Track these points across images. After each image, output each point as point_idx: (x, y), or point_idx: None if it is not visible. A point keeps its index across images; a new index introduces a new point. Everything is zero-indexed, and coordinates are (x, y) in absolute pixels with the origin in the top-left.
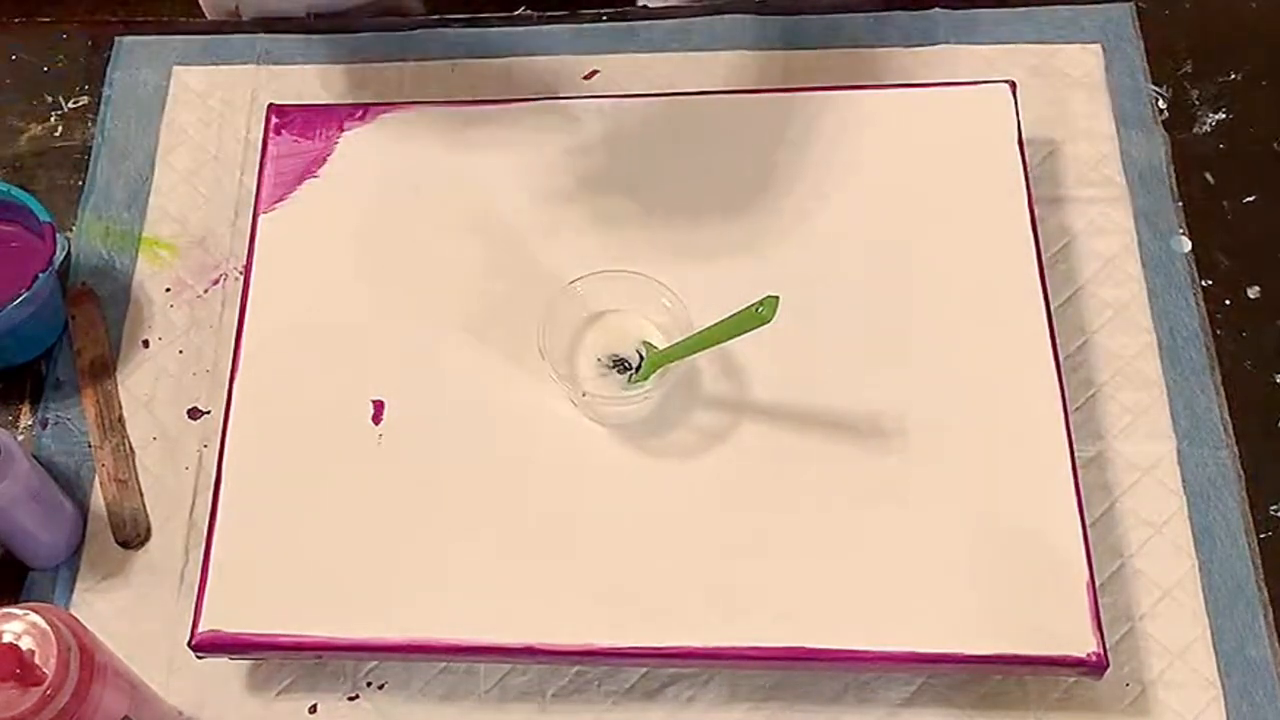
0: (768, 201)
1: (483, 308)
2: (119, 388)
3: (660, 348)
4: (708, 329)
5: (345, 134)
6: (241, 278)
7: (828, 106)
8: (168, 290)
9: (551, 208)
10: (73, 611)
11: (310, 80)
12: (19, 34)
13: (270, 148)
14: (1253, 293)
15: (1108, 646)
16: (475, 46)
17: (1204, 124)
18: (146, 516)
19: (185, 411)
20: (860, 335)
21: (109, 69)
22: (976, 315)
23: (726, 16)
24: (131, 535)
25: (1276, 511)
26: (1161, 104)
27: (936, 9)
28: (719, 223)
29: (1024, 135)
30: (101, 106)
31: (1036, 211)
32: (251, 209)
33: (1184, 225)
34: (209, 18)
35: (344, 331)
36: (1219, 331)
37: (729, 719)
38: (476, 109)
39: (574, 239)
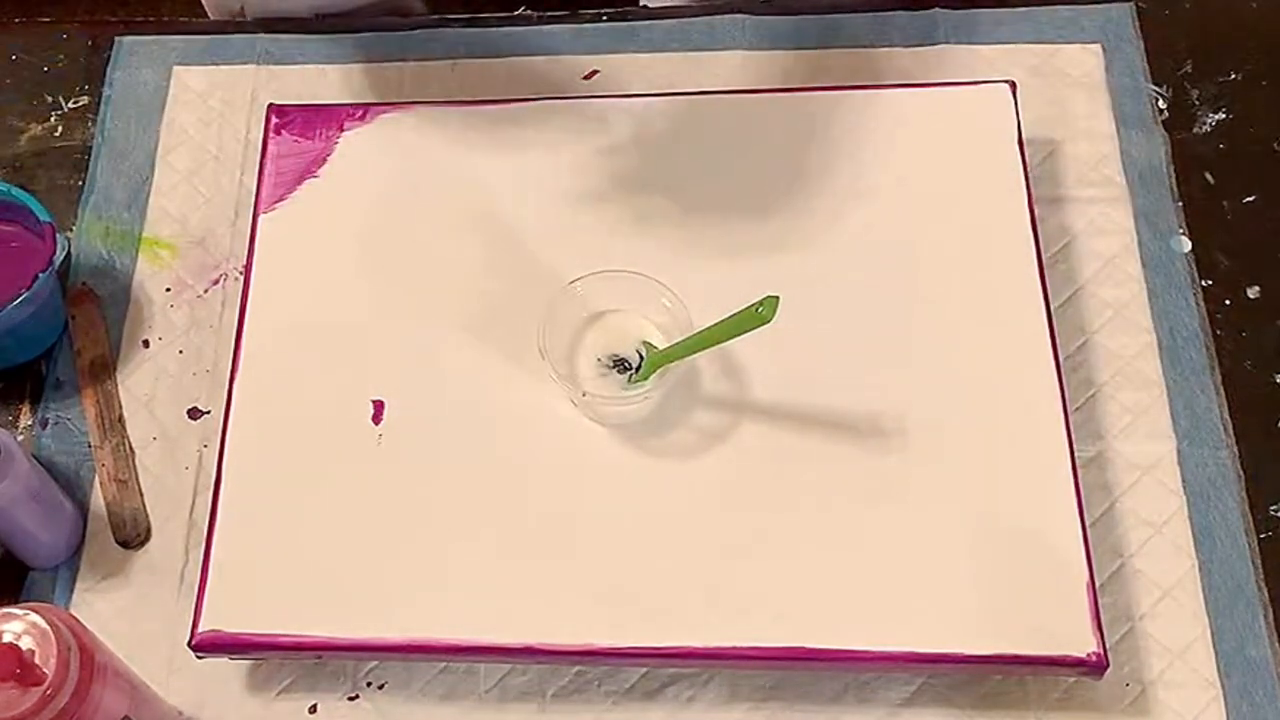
0: (768, 201)
1: (483, 308)
2: (119, 388)
3: (660, 348)
4: (708, 329)
5: (345, 134)
6: (241, 278)
7: (827, 106)
8: (168, 290)
9: (552, 207)
10: (73, 611)
11: (310, 80)
12: (19, 34)
13: (270, 148)
14: (1253, 293)
15: (1108, 646)
16: (475, 46)
17: (1204, 124)
18: (146, 516)
19: (185, 411)
20: (860, 335)
21: (109, 69)
22: (976, 315)
23: (726, 16)
24: (131, 535)
25: (1276, 511)
26: (1161, 104)
27: (936, 9)
28: (719, 222)
29: (1024, 135)
30: (101, 106)
31: (1036, 211)
32: (251, 209)
33: (1184, 225)
34: (212, 18)
35: (344, 331)
36: (1219, 331)
37: (729, 719)
38: (476, 109)
39: (574, 239)
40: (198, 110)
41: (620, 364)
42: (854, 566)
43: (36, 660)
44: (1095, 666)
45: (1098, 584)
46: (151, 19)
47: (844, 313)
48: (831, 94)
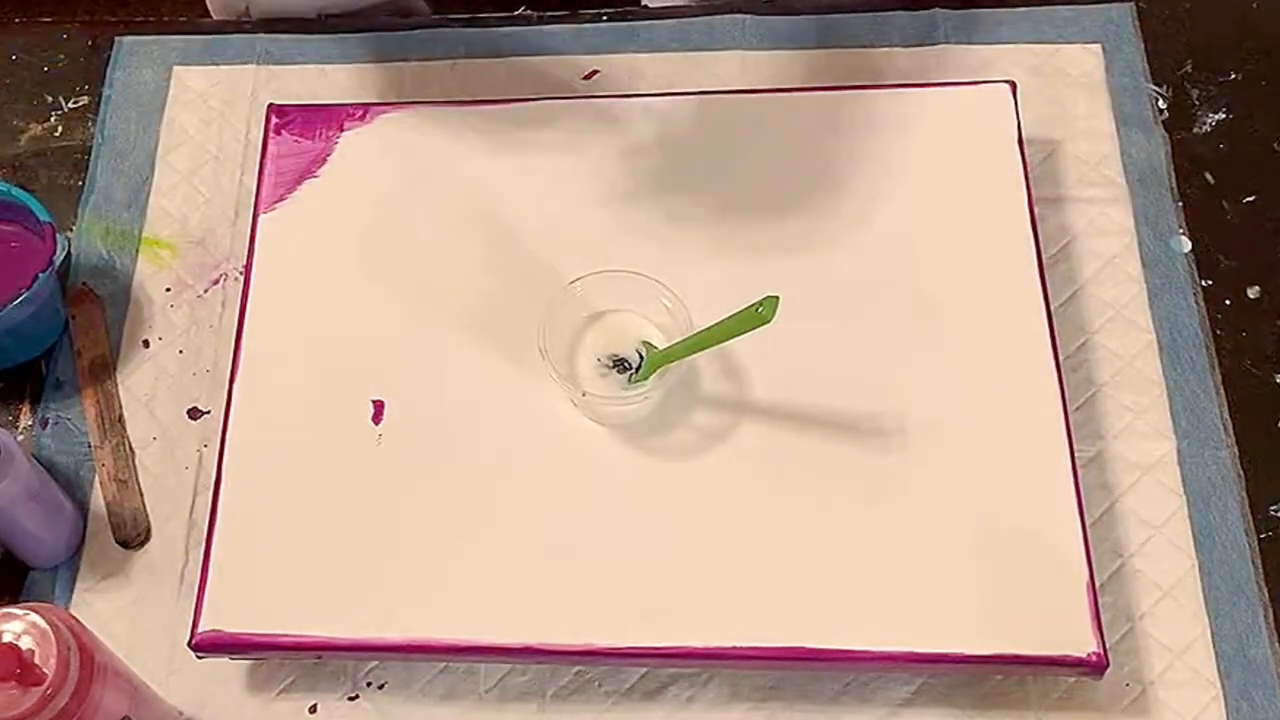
0: (768, 201)
1: (483, 308)
2: (119, 388)
3: (660, 348)
4: (708, 329)
5: (345, 134)
6: (241, 278)
7: (827, 107)
8: (168, 290)
9: (552, 207)
10: (73, 611)
11: (310, 80)
12: (19, 34)
13: (270, 148)
14: (1253, 293)
15: (1108, 646)
16: (475, 46)
17: (1204, 124)
18: (146, 516)
19: (185, 411)
20: (860, 335)
21: (109, 69)
22: (976, 315)
23: (726, 16)
24: (131, 535)
25: (1276, 511)
26: (1161, 104)
27: (936, 9)
28: (718, 222)
29: (1024, 135)
30: (101, 106)
31: (1036, 211)
32: (251, 209)
33: (1184, 225)
34: (216, 18)
35: (344, 331)
36: (1219, 331)
37: (729, 719)
38: (476, 109)
39: (574, 239)
40: (198, 110)
41: (620, 364)
42: (854, 566)
43: (36, 660)
44: (1095, 666)
45: (1098, 584)
46: (151, 19)
47: (844, 313)
48: (831, 94)
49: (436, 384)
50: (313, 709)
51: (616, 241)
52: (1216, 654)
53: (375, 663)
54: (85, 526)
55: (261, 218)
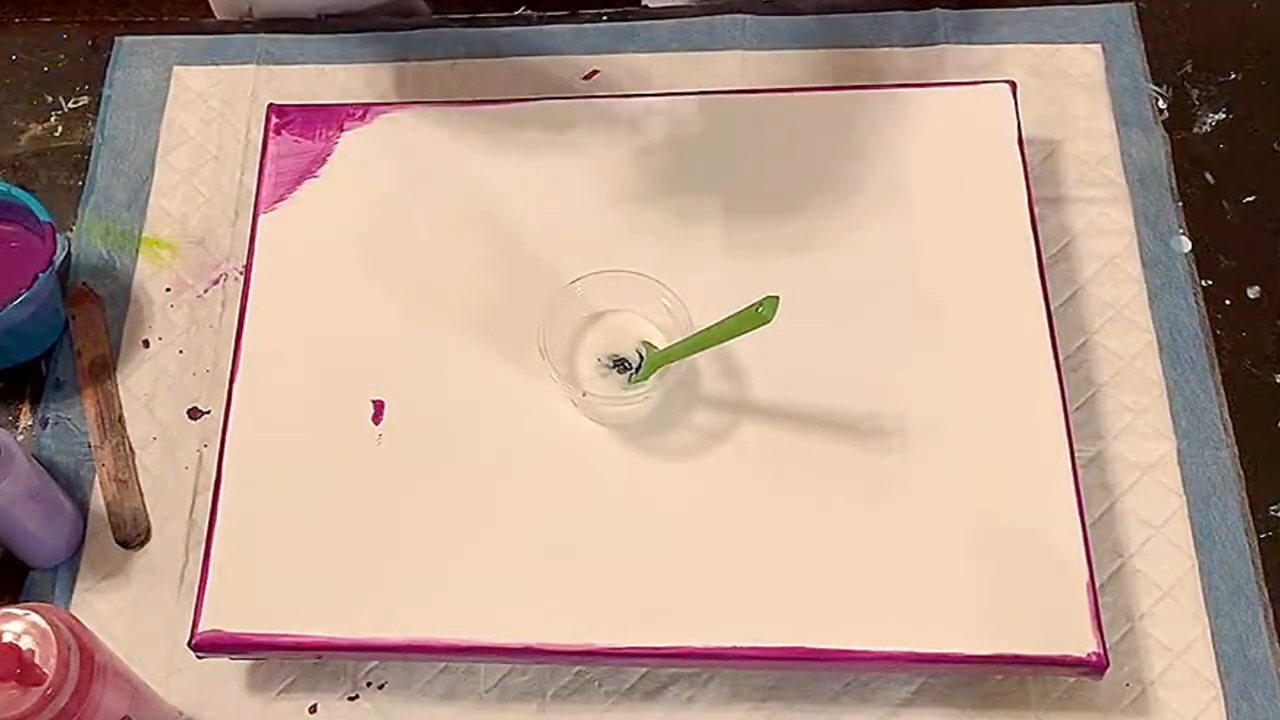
0: (768, 201)
1: (483, 308)
2: (119, 388)
3: (660, 348)
4: (708, 329)
5: (345, 134)
6: (241, 278)
7: (827, 107)
8: (168, 290)
9: (552, 207)
10: (73, 611)
11: (310, 80)
12: (19, 34)
13: (270, 148)
14: (1253, 293)
15: (1108, 646)
16: (475, 46)
17: (1204, 124)
18: (146, 516)
19: (185, 411)
20: (860, 335)
21: (109, 69)
22: (976, 315)
23: (726, 16)
24: (131, 535)
25: (1276, 511)
26: (1161, 104)
27: (936, 9)
28: (719, 222)
29: (1024, 135)
30: (101, 106)
31: (1036, 211)
32: (251, 209)
33: (1184, 225)
34: (219, 18)
35: (344, 331)
36: (1219, 331)
37: (729, 719)
38: (476, 109)
39: (574, 238)
40: (198, 110)
41: (620, 364)
42: (854, 566)
43: (36, 660)
44: (1095, 666)
45: (1098, 584)
46: (151, 19)
47: (844, 313)
48: (831, 94)
49: (436, 384)
50: (313, 709)
51: (617, 241)
52: (1216, 654)
53: (375, 663)
54: (85, 526)
55: (261, 218)
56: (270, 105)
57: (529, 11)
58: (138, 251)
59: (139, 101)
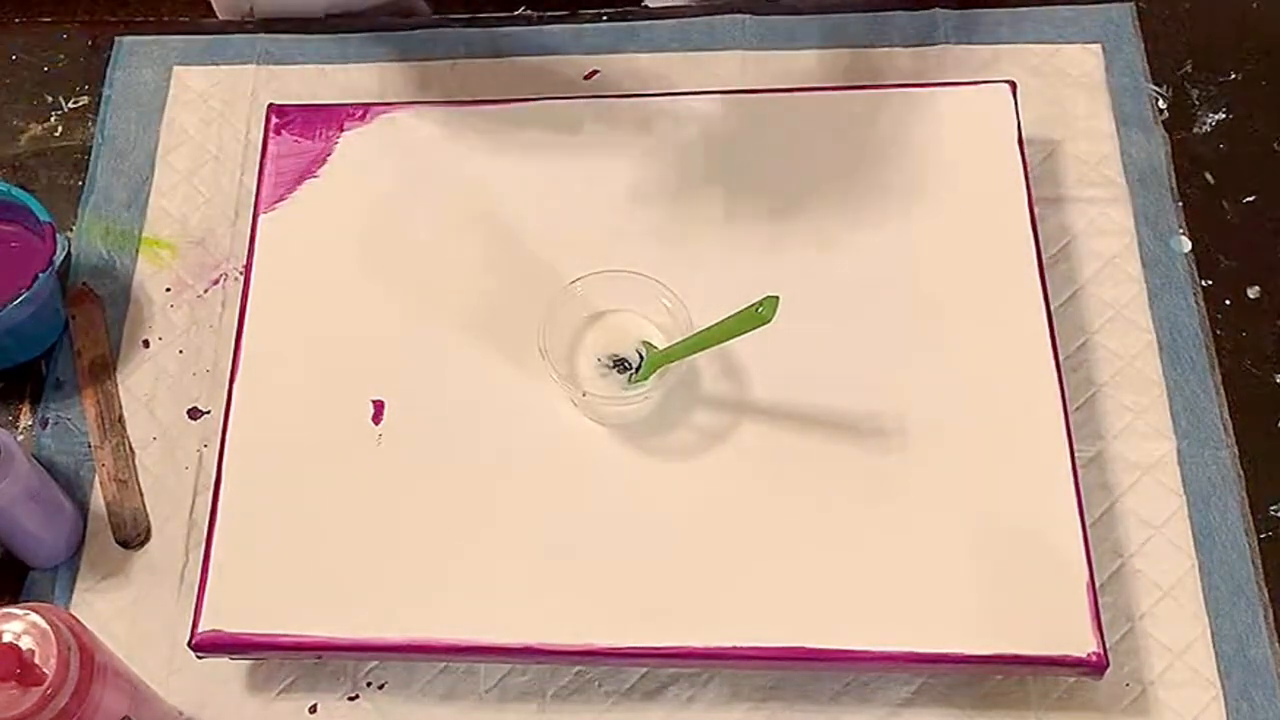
0: (768, 201)
1: (483, 308)
2: (119, 388)
3: (660, 348)
4: (708, 329)
5: (345, 134)
6: (241, 278)
7: (828, 106)
8: (168, 290)
9: (552, 207)
10: (73, 611)
11: (310, 80)
12: (19, 34)
13: (270, 148)
14: (1253, 293)
15: (1108, 646)
16: (475, 46)
17: (1204, 124)
18: (146, 516)
19: (185, 411)
20: (860, 335)
21: (109, 69)
22: (976, 315)
23: (726, 16)
24: (131, 535)
25: (1276, 511)
26: (1161, 104)
27: (936, 9)
28: (719, 222)
29: (1024, 135)
30: (101, 106)
31: (1036, 211)
32: (251, 209)
33: (1184, 225)
34: (221, 17)
35: (344, 331)
36: (1219, 331)
37: (729, 719)
38: (476, 109)
39: (574, 239)
40: (198, 110)
41: (620, 364)
42: (854, 566)
43: (36, 660)
44: (1095, 666)
45: (1098, 584)
46: (151, 19)
47: (844, 313)
48: (831, 94)
49: (436, 384)
50: (313, 709)
51: (617, 241)
52: (1216, 654)
53: (375, 663)
54: (85, 526)
55: (261, 218)
56: (270, 105)
57: (529, 11)
58: (138, 251)
59: (139, 101)
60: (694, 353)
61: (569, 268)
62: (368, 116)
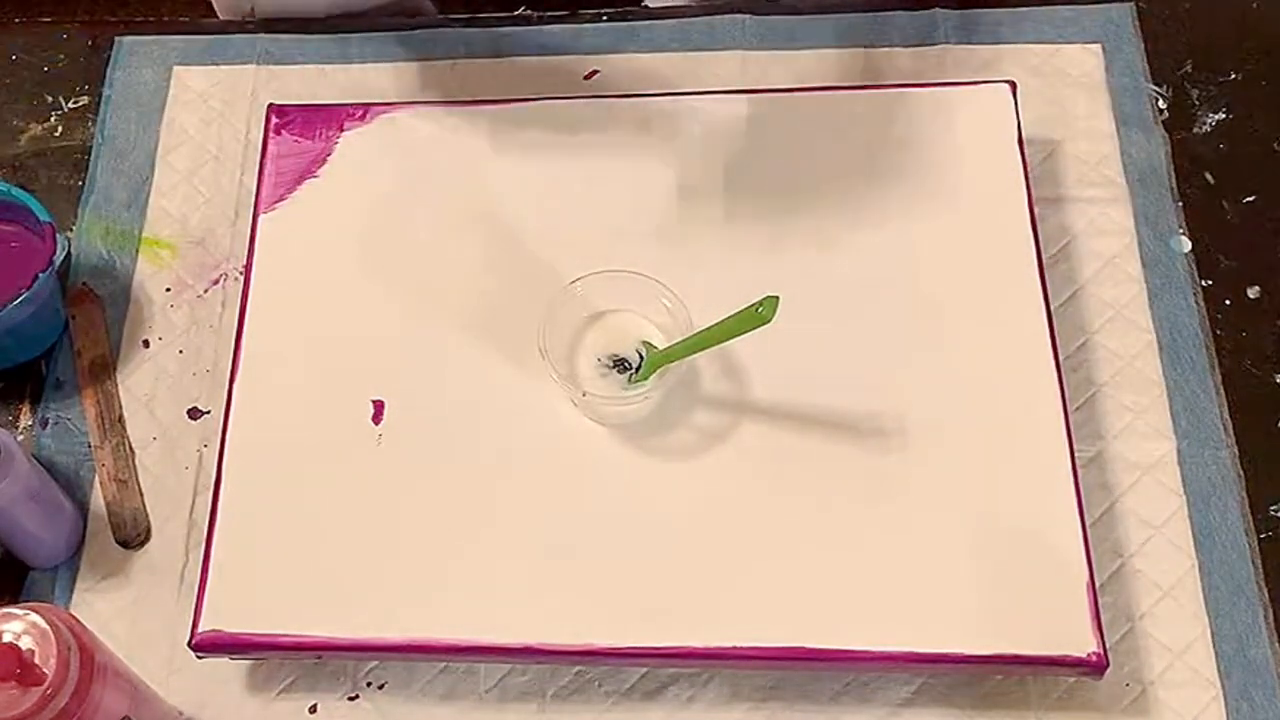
0: (768, 201)
1: (483, 308)
2: (119, 388)
3: (660, 348)
4: (708, 329)
5: (345, 134)
6: (241, 278)
7: (827, 106)
8: (168, 290)
9: (552, 208)
10: (73, 611)
11: (310, 80)
12: (19, 34)
13: (270, 148)
14: (1253, 293)
15: (1108, 646)
16: (475, 46)
17: (1204, 124)
18: (146, 516)
19: (185, 411)
20: (860, 335)
21: (109, 69)
22: (976, 315)
23: (726, 16)
24: (131, 535)
25: (1276, 511)
26: (1161, 104)
27: (936, 9)
28: (719, 222)
29: (1024, 135)
30: (101, 106)
31: (1036, 211)
32: (251, 209)
33: (1184, 225)
34: (222, 17)
35: (344, 331)
36: (1219, 331)
37: (729, 719)
38: (476, 109)
39: (574, 239)
40: (198, 110)
41: (620, 364)
42: (854, 566)
43: (36, 660)
44: (1095, 666)
45: (1098, 584)
46: (151, 19)
47: (844, 313)
48: (831, 94)
49: (436, 384)
50: (313, 709)
51: (616, 241)
52: (1216, 654)
53: (375, 663)
54: (85, 526)
55: (261, 218)
56: (270, 105)
57: (529, 11)
58: (138, 251)
59: (139, 101)
60: (694, 353)
61: (569, 268)
62: (368, 116)
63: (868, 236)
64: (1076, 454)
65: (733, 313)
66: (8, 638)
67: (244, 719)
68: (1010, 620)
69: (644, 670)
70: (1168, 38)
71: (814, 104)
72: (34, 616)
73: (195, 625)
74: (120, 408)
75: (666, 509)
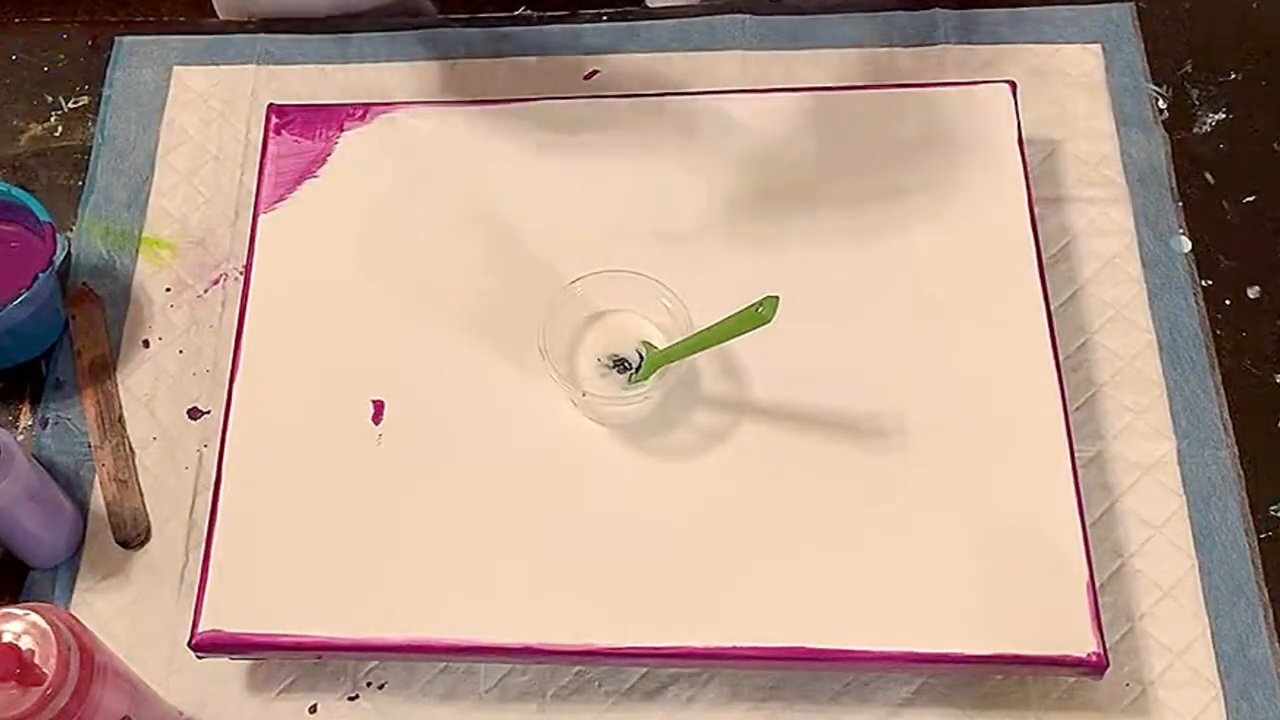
0: (768, 201)
1: (483, 308)
2: (119, 388)
3: (660, 348)
4: (708, 329)
5: (345, 134)
6: (241, 278)
7: (827, 106)
8: (168, 290)
9: (552, 207)
10: (73, 611)
11: (310, 80)
12: (19, 34)
13: (270, 148)
14: (1253, 293)
15: (1108, 646)
16: (475, 46)
17: (1204, 124)
18: (146, 516)
19: (185, 411)
20: (860, 335)
21: (109, 69)
22: (976, 315)
23: (726, 16)
24: (131, 535)
25: (1276, 511)
26: (1161, 104)
27: (936, 9)
28: (719, 222)
29: (1024, 135)
30: (101, 106)
31: (1036, 211)
32: (251, 209)
33: (1184, 225)
34: (222, 18)
35: (344, 331)
36: (1219, 331)
37: (729, 719)
38: (476, 109)
39: (574, 239)
40: (198, 110)
41: (620, 364)
42: (854, 566)
43: (36, 660)
44: (1095, 666)
45: (1098, 584)
46: (151, 19)
47: (844, 313)
48: (831, 94)
49: (436, 384)
50: (313, 709)
51: (617, 241)
52: (1216, 654)
53: (375, 663)
54: (85, 526)
55: (261, 218)
56: (270, 105)
57: (529, 11)
58: (138, 251)
59: (139, 101)
60: (694, 353)
61: (569, 268)
62: (368, 116)
63: (868, 236)
64: (1076, 454)
65: (733, 313)
66: (8, 638)
67: (244, 719)
68: (1010, 620)
69: (644, 670)
70: (1168, 38)
71: (814, 104)
72: (34, 616)
73: (195, 625)
74: (120, 408)
75: (666, 509)
